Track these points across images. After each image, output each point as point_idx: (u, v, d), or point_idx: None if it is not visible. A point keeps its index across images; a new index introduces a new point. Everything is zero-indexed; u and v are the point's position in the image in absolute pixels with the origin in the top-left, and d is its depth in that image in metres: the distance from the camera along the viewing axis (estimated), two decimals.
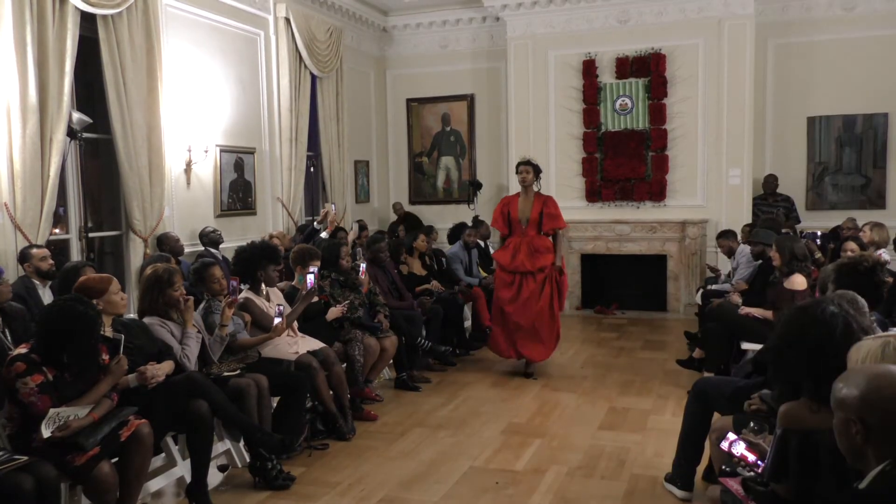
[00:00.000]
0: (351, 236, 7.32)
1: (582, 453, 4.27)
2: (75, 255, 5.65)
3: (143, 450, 3.20)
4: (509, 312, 5.96)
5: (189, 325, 3.87)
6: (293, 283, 5.08)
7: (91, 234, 5.70)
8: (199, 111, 6.76)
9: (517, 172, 5.97)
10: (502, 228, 6.09)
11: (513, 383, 5.90)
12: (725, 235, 7.01)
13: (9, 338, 3.75)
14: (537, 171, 5.99)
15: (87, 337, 3.10)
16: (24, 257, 4.73)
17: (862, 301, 2.79)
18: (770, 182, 8.62)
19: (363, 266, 5.52)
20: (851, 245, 5.27)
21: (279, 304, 4.48)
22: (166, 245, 5.95)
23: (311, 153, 8.61)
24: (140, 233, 5.96)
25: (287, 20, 7.82)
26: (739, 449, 2.39)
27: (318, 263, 5.01)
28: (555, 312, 6.01)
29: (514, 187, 9.54)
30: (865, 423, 1.67)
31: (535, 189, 5.99)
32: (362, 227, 8.25)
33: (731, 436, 2.44)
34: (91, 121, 5.51)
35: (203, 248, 6.45)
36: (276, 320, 4.36)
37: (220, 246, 6.54)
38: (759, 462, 2.34)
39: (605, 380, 5.90)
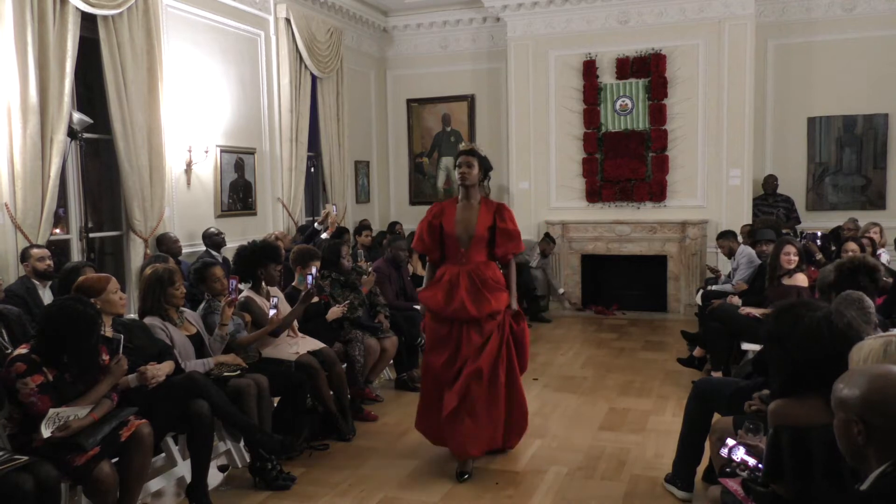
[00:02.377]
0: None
1: (582, 454, 4.26)
2: (76, 255, 5.65)
3: (144, 450, 3.19)
4: (444, 381, 4.00)
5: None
6: (294, 284, 5.08)
7: (91, 235, 5.70)
8: (200, 111, 6.76)
9: (456, 166, 4.09)
10: (431, 251, 4.15)
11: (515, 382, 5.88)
12: (725, 236, 7.01)
13: (6, 339, 3.75)
14: (485, 165, 4.10)
15: (87, 336, 3.10)
16: (23, 257, 4.73)
17: (868, 301, 2.80)
18: (770, 182, 8.62)
19: (371, 266, 5.53)
20: (852, 245, 5.27)
21: (274, 297, 4.48)
22: (165, 246, 5.95)
23: (312, 153, 8.61)
24: (140, 233, 5.96)
25: (287, 21, 7.83)
26: (739, 454, 2.39)
27: (318, 264, 5.01)
28: (515, 380, 4.10)
29: (515, 187, 9.66)
30: (867, 423, 1.67)
31: (483, 192, 4.13)
32: (364, 226, 8.26)
33: (730, 441, 2.44)
34: (91, 121, 5.51)
35: (204, 250, 6.45)
36: (271, 312, 4.36)
37: (222, 248, 6.53)
38: (759, 465, 2.34)
39: (605, 380, 5.90)
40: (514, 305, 4.10)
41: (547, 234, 8.95)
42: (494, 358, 3.94)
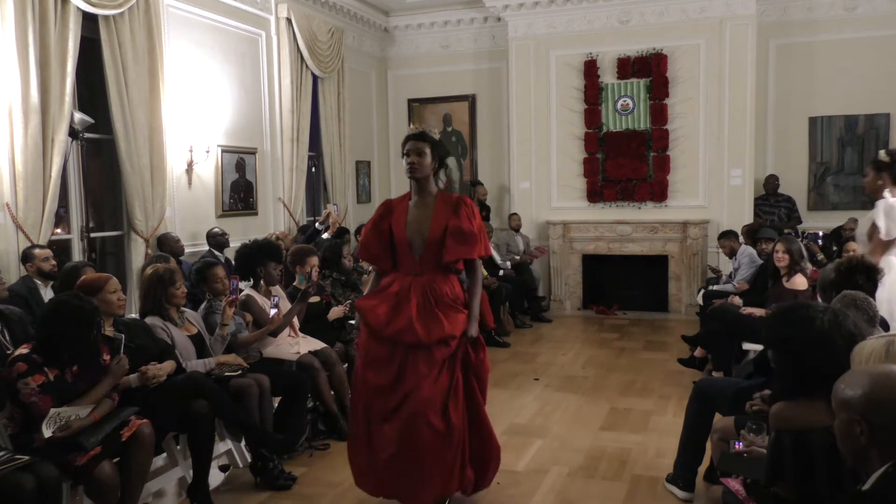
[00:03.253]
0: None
1: (583, 454, 4.26)
2: (77, 255, 5.66)
3: (145, 450, 3.19)
4: (378, 410, 3.25)
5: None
6: (294, 284, 5.08)
7: (93, 235, 5.70)
8: (201, 111, 6.76)
9: (404, 155, 3.34)
10: (378, 259, 3.44)
11: (514, 383, 5.89)
12: (727, 236, 7.01)
13: (7, 339, 3.75)
14: (439, 151, 3.36)
15: (86, 332, 3.10)
16: (26, 258, 4.73)
17: (870, 300, 2.79)
18: (771, 182, 8.61)
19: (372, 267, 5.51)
20: (853, 245, 5.27)
21: (275, 296, 4.48)
22: (166, 246, 5.96)
23: (313, 153, 8.61)
24: (141, 233, 5.96)
25: (288, 20, 7.83)
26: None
27: (316, 260, 5.00)
28: (477, 414, 3.37)
29: (516, 187, 9.67)
30: (870, 423, 1.67)
31: (439, 186, 3.46)
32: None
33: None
34: (93, 121, 5.51)
35: (207, 249, 6.46)
36: (272, 312, 4.36)
37: (225, 249, 6.53)
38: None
39: (606, 380, 5.89)
40: (474, 332, 3.29)
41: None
42: (445, 395, 3.17)
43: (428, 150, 3.27)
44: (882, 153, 4.05)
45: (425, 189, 3.34)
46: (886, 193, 3.96)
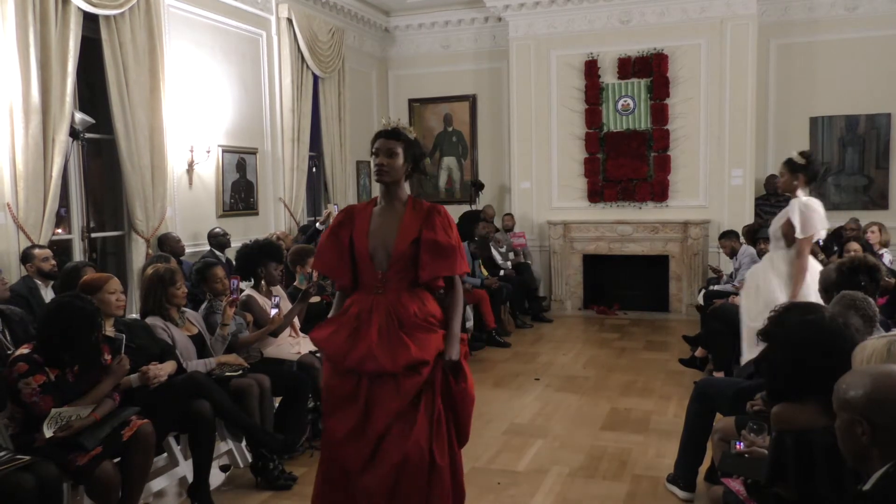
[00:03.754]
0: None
1: (584, 454, 4.26)
2: (78, 255, 5.66)
3: (146, 450, 3.20)
4: (349, 462, 2.76)
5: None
6: (295, 284, 5.08)
7: (93, 235, 5.70)
8: (202, 111, 6.76)
9: (373, 153, 2.88)
10: (337, 273, 2.96)
11: (515, 383, 5.89)
12: (728, 236, 7.00)
13: (8, 339, 3.75)
14: (414, 151, 2.88)
15: (86, 332, 3.10)
16: (26, 258, 4.73)
17: (868, 300, 2.79)
18: (772, 182, 8.59)
19: None
20: (854, 245, 5.27)
21: (275, 297, 4.48)
22: (167, 246, 5.96)
23: (313, 153, 8.61)
24: (142, 233, 5.96)
25: (289, 21, 7.83)
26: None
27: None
28: (454, 457, 2.84)
29: (517, 187, 9.68)
30: (872, 423, 1.66)
31: (409, 193, 2.95)
32: None
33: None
34: (93, 121, 5.51)
35: (208, 249, 6.46)
36: (273, 312, 4.36)
37: (226, 249, 6.53)
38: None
39: (606, 380, 5.89)
40: (454, 354, 2.77)
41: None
42: (429, 436, 2.69)
43: (400, 151, 2.79)
44: (796, 154, 4.29)
45: (394, 194, 2.86)
46: (800, 193, 4.23)
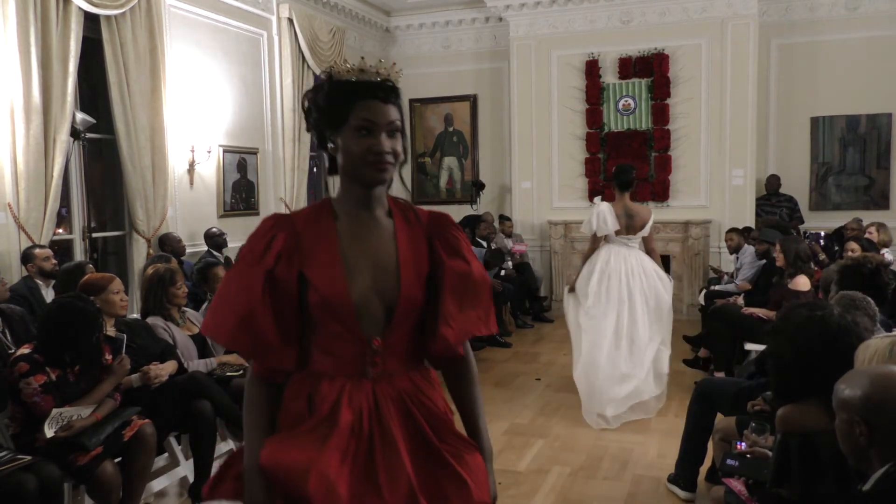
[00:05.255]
0: None
1: (585, 454, 4.26)
2: (78, 255, 5.66)
3: (147, 450, 3.20)
4: None
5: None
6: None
7: (94, 235, 5.70)
8: (203, 111, 6.77)
9: (361, 129, 1.53)
10: (268, 354, 1.54)
11: (516, 383, 5.89)
12: (737, 231, 7.00)
13: (9, 338, 3.76)
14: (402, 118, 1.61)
15: (87, 333, 3.10)
16: (27, 258, 4.73)
17: (871, 301, 2.78)
18: (773, 182, 8.61)
19: None
20: (852, 245, 5.27)
21: None
22: (168, 246, 5.96)
23: (314, 153, 8.61)
24: (143, 233, 5.97)
25: (290, 20, 7.83)
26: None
27: None
28: None
29: (518, 187, 9.67)
30: (870, 424, 1.67)
31: (389, 192, 1.69)
32: None
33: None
34: (94, 121, 5.51)
35: (206, 250, 6.46)
36: None
37: (224, 249, 6.52)
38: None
39: None
40: (493, 489, 1.69)
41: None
42: None
43: (400, 120, 1.59)
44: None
45: (377, 197, 1.62)
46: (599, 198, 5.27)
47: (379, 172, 1.55)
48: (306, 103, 1.65)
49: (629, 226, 5.07)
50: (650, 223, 5.11)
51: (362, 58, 1.69)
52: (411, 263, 1.59)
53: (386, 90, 1.58)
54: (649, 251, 5.18)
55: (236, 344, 1.57)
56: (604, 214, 5.02)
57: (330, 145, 1.60)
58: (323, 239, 1.58)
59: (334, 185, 1.42)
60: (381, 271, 1.57)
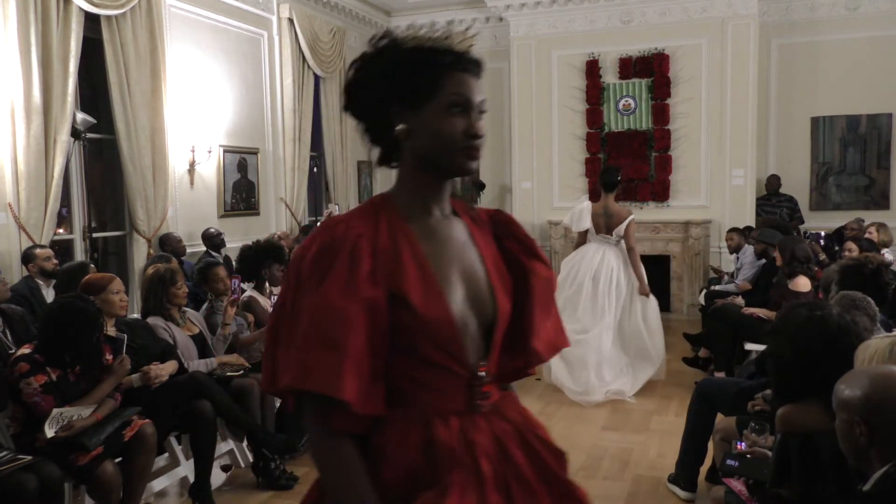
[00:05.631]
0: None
1: (585, 454, 4.26)
2: (79, 255, 5.67)
3: (147, 450, 3.20)
4: None
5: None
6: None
7: (95, 235, 5.70)
8: (203, 112, 6.77)
9: (454, 107, 1.29)
10: (366, 396, 1.21)
11: (515, 383, 5.87)
12: (739, 231, 6.99)
13: (9, 338, 3.76)
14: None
15: (88, 333, 3.10)
16: (27, 258, 4.73)
17: (871, 301, 2.78)
18: (773, 182, 8.61)
19: None
20: (850, 245, 5.27)
21: (274, 297, 4.47)
22: (168, 246, 5.96)
23: (315, 153, 8.62)
24: (143, 233, 5.97)
25: (290, 21, 7.83)
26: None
27: None
28: None
29: (518, 187, 9.67)
30: (870, 424, 1.67)
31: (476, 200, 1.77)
32: None
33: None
34: (95, 121, 5.52)
35: (205, 250, 6.46)
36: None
37: (222, 249, 6.52)
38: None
39: None
40: None
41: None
42: None
43: None
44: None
45: (445, 195, 1.43)
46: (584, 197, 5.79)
47: (471, 160, 1.31)
48: (357, 73, 1.33)
49: (607, 224, 5.52)
50: (626, 223, 5.49)
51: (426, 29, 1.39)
52: (496, 271, 1.37)
53: (478, 64, 1.34)
54: (628, 249, 5.60)
55: (347, 392, 1.17)
56: (580, 212, 5.53)
57: (400, 126, 1.31)
58: (405, 247, 1.29)
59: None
60: (473, 283, 1.33)
